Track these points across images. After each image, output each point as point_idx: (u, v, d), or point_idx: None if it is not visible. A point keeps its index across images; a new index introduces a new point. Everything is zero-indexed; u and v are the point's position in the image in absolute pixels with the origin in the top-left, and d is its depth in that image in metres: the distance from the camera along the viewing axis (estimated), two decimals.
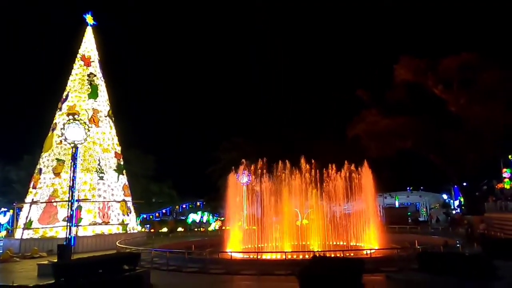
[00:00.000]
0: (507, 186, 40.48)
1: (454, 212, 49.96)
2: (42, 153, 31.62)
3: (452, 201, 56.90)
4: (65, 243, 16.95)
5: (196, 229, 47.35)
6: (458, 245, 18.88)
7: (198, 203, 56.20)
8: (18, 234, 28.74)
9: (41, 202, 29.01)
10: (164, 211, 54.29)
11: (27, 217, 28.81)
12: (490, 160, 39.17)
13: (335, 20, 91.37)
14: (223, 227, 40.71)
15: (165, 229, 45.07)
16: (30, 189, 30.86)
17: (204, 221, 51.27)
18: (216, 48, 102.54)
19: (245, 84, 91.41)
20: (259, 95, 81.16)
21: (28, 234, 27.88)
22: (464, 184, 40.54)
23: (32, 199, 29.72)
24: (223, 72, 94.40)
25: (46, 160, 30.85)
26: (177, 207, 56.37)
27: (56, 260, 15.76)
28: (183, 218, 53.31)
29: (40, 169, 30.85)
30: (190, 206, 55.96)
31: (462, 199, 45.89)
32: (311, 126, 49.51)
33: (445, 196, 59.24)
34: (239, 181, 27.49)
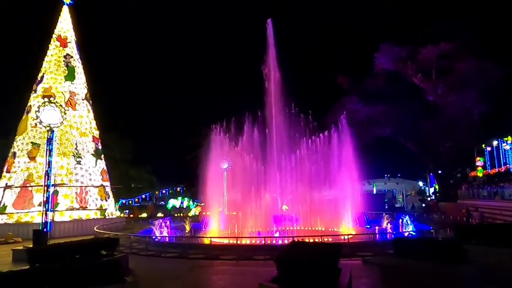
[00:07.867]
0: (479, 174, 41.86)
1: (429, 199, 51.48)
2: (16, 136, 30.69)
3: (427, 188, 58.57)
4: (40, 228, 16.61)
5: (176, 215, 47.23)
6: (432, 231, 19.47)
7: (178, 189, 55.93)
8: None
9: (16, 187, 28.29)
10: (143, 196, 53.75)
11: (0, 202, 28.07)
12: (464, 148, 40.39)
13: (317, 5, 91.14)
14: (203, 213, 40.67)
15: (144, 215, 44.81)
16: (4, 173, 29.99)
17: (184, 206, 51.18)
18: (195, 29, 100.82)
19: (224, 68, 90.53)
20: (238, 80, 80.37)
21: (2, 219, 27.25)
22: (439, 172, 41.69)
23: (6, 184, 28.90)
24: (205, 54, 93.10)
25: (20, 144, 29.97)
26: (157, 192, 55.96)
27: (31, 245, 15.44)
28: (163, 203, 53.04)
29: (14, 153, 29.98)
30: (170, 191, 55.57)
31: (437, 186, 47.28)
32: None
33: (421, 184, 60.92)
34: (219, 167, 27.38)
